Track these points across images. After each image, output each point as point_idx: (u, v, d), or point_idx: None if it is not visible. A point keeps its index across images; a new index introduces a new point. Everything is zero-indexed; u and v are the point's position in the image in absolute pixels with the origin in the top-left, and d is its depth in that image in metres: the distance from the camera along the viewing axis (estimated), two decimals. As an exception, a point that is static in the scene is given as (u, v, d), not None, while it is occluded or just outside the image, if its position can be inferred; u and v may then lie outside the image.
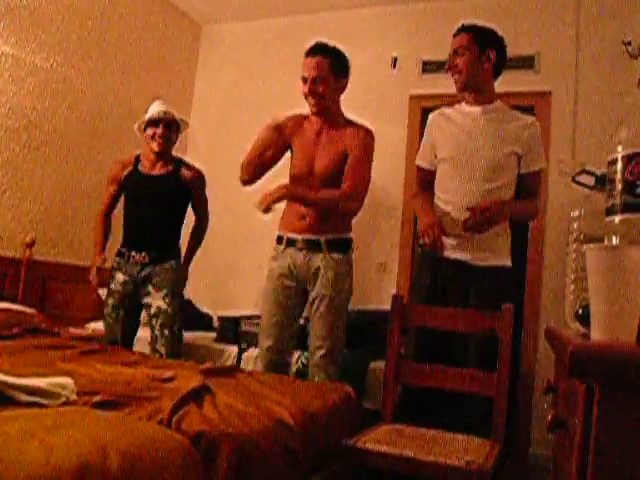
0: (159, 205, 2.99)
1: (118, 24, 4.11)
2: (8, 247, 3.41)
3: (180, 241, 3.13)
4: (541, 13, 3.77)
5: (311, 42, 2.63)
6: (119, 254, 3.03)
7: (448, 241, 2.40)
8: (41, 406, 1.43)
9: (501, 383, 2.00)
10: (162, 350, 2.86)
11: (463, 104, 2.54)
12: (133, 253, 2.97)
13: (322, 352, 2.53)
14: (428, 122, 2.62)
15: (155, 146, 3.00)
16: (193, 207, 3.14)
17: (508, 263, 2.42)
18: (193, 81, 4.86)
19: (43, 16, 3.57)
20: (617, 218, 1.00)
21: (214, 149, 4.53)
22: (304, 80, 2.57)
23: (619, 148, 1.01)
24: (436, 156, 2.52)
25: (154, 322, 2.91)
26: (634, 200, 0.97)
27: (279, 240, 2.68)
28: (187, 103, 4.78)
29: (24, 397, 1.45)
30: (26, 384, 1.47)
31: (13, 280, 3.42)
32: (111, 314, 2.98)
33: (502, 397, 1.99)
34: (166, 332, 2.88)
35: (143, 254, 2.95)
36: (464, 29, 2.48)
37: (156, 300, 2.91)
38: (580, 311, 1.16)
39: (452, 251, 2.40)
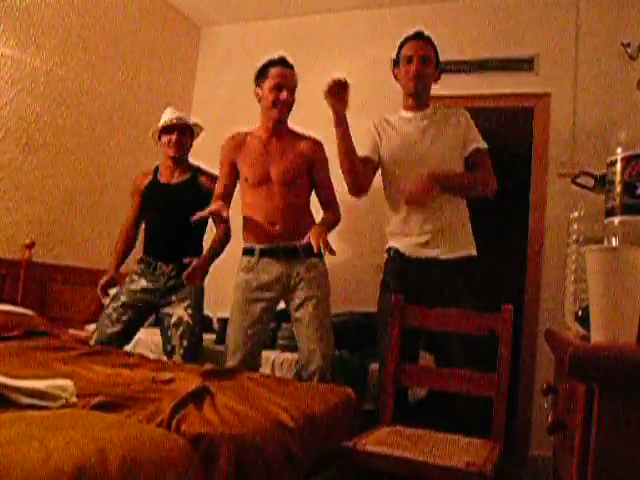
0: (178, 215, 2.95)
1: (117, 26, 4.11)
2: (8, 249, 3.41)
3: (203, 249, 3.08)
4: (540, 14, 3.78)
5: (279, 54, 2.78)
6: (144, 262, 3.02)
7: (415, 241, 2.45)
8: (41, 408, 1.42)
9: (501, 384, 2.00)
10: (179, 360, 2.84)
11: (401, 111, 2.65)
12: (160, 264, 2.97)
13: (319, 355, 2.54)
14: (374, 125, 2.67)
15: (171, 151, 3.01)
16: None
17: (472, 252, 2.49)
18: (193, 83, 4.86)
19: (43, 18, 3.57)
20: (616, 219, 1.00)
21: (214, 151, 4.53)
22: (279, 88, 2.65)
23: (618, 150, 1.01)
24: (379, 155, 2.58)
25: (173, 331, 2.89)
26: (633, 201, 0.97)
27: (250, 252, 2.70)
28: (187, 105, 4.78)
29: (24, 399, 1.44)
30: (26, 386, 1.47)
31: (13, 282, 3.42)
32: (117, 310, 2.94)
33: (502, 398, 1.99)
34: (184, 343, 2.87)
35: (170, 266, 2.95)
36: (425, 37, 2.59)
37: (178, 310, 2.90)
38: (580, 312, 1.16)
39: (421, 250, 2.45)
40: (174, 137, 3.00)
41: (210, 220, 3.04)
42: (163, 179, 3.08)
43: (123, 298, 2.96)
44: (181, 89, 4.74)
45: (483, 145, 2.53)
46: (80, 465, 1.07)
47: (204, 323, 3.10)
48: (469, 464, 1.66)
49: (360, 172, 2.49)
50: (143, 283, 2.97)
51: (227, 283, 4.32)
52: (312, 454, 1.75)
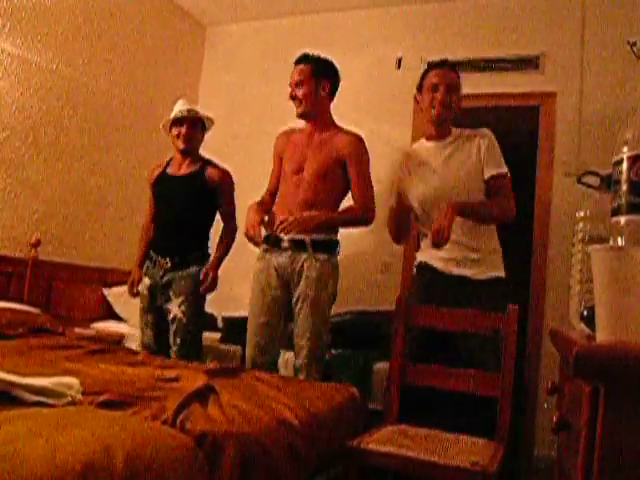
0: (183, 207, 2.94)
1: (123, 25, 4.13)
2: (14, 247, 3.43)
3: (209, 246, 3.05)
4: (546, 13, 3.77)
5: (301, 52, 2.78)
6: (149, 258, 3.01)
7: (450, 261, 2.48)
8: (47, 406, 1.43)
9: (505, 384, 2.00)
10: (174, 357, 2.83)
11: (423, 141, 2.64)
12: (159, 258, 2.95)
13: (304, 352, 2.55)
14: (398, 164, 2.69)
15: (180, 144, 2.98)
16: (217, 209, 3.05)
17: (500, 274, 2.50)
18: (198, 82, 4.87)
19: (48, 17, 3.58)
20: (622, 219, 0.99)
21: (220, 150, 4.54)
22: (290, 86, 2.71)
23: (624, 149, 1.00)
24: (408, 197, 2.61)
25: (171, 329, 2.89)
26: (640, 201, 0.97)
27: (266, 239, 2.71)
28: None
29: (30, 397, 1.45)
30: (32, 384, 1.48)
31: (19, 280, 3.43)
32: (142, 318, 2.98)
33: (506, 398, 1.99)
34: (177, 341, 2.85)
35: (167, 259, 2.92)
36: (448, 65, 2.59)
37: (174, 307, 2.88)
38: (585, 312, 1.15)
39: (452, 267, 2.47)
40: (184, 130, 2.97)
41: (218, 215, 3.06)
42: (171, 171, 3.05)
43: (140, 305, 2.99)
44: (186, 88, 4.74)
45: (502, 170, 2.50)
46: (86, 462, 1.07)
47: (203, 320, 3.05)
48: (474, 464, 1.66)
49: (404, 230, 2.68)
50: (146, 282, 2.97)
51: (232, 283, 4.34)
52: (317, 453, 1.75)
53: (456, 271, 2.46)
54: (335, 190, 2.68)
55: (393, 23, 4.21)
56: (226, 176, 3.02)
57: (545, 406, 3.41)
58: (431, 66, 2.61)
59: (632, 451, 0.75)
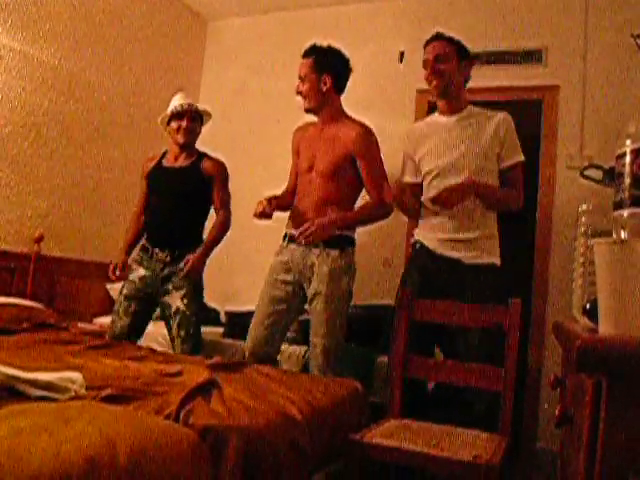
0: (179, 199, 2.94)
1: (125, 20, 4.12)
2: (17, 242, 3.43)
3: (203, 237, 3.04)
4: (549, 6, 3.74)
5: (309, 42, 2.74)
6: (143, 249, 3.00)
7: (445, 242, 2.48)
8: (50, 400, 1.44)
9: (508, 378, 2.00)
10: (178, 351, 2.83)
11: (436, 114, 2.63)
12: (157, 250, 2.93)
13: (319, 350, 2.54)
14: (404, 137, 2.69)
15: (180, 138, 2.98)
16: (212, 201, 3.03)
17: (496, 261, 2.50)
18: (200, 76, 4.86)
19: (50, 13, 3.57)
20: (625, 212, 0.99)
21: (221, 144, 4.54)
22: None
23: (628, 142, 1.00)
24: (419, 170, 2.60)
25: (172, 322, 2.88)
26: (643, 194, 0.97)
27: (284, 237, 2.73)
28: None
29: (34, 391, 1.46)
30: (36, 378, 1.48)
31: (22, 275, 3.44)
32: (122, 303, 2.93)
33: (509, 392, 1.99)
34: (182, 333, 2.85)
35: (166, 252, 2.91)
36: (442, 37, 2.56)
37: (175, 300, 2.87)
38: (588, 305, 1.15)
39: (447, 250, 2.47)
40: (184, 123, 2.96)
41: (212, 208, 3.05)
42: (167, 163, 3.05)
43: (125, 290, 2.95)
44: (188, 82, 4.73)
45: (520, 158, 2.50)
46: (89, 456, 1.08)
47: (203, 313, 3.06)
48: (476, 457, 1.66)
49: (413, 209, 2.65)
50: (141, 272, 2.95)
51: (236, 277, 4.35)
52: (320, 446, 1.76)
53: (449, 254, 2.46)
54: (349, 186, 2.66)
55: (395, 16, 4.19)
56: (221, 166, 3.04)
57: (545, 406, 3.41)
58: (424, 45, 2.60)
59: (634, 444, 0.75)
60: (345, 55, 2.72)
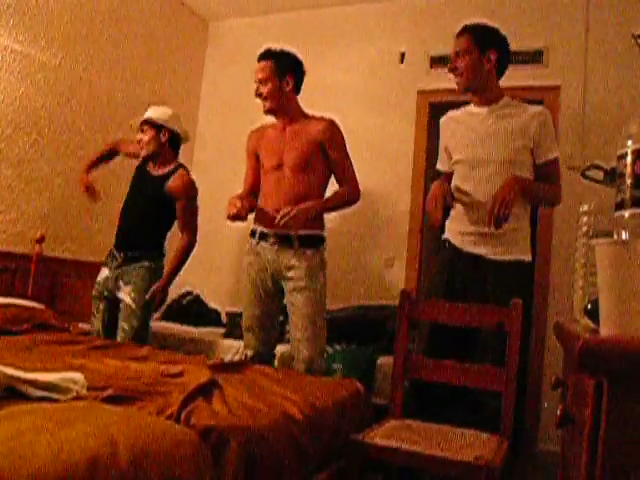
0: (145, 205, 3.02)
1: (126, 21, 4.12)
2: (18, 243, 3.44)
3: (164, 248, 3.09)
4: (550, 6, 3.75)
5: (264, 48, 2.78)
6: (109, 254, 3.10)
7: (467, 237, 2.43)
8: (52, 401, 1.44)
9: (510, 378, 1.99)
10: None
11: (471, 105, 2.57)
12: (115, 251, 3.05)
13: (303, 344, 2.54)
14: (440, 126, 2.67)
15: (141, 151, 3.05)
16: (177, 223, 3.07)
17: (526, 257, 2.42)
18: (200, 77, 4.87)
19: (52, 14, 3.58)
20: (626, 213, 0.99)
21: (222, 144, 4.54)
22: (255, 83, 2.74)
23: (629, 142, 1.00)
24: (451, 159, 2.56)
25: (119, 315, 2.96)
26: (644, 195, 0.97)
27: (252, 234, 2.74)
28: (195, 99, 4.79)
29: (35, 392, 1.46)
30: (37, 379, 1.49)
31: (23, 276, 3.44)
32: (94, 303, 3.09)
33: (511, 392, 1.99)
34: (125, 326, 2.91)
35: (121, 253, 3.01)
36: (465, 30, 2.51)
37: (124, 295, 2.95)
38: (589, 306, 1.15)
39: (471, 246, 2.42)
40: (139, 136, 3.04)
41: (176, 223, 3.08)
42: (149, 167, 3.12)
43: (94, 291, 3.09)
44: (189, 83, 4.74)
45: (555, 154, 2.45)
46: (91, 457, 1.08)
47: (151, 310, 3.04)
48: (477, 458, 1.66)
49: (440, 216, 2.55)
50: (105, 273, 3.07)
51: (237, 279, 4.35)
52: (321, 447, 1.76)
53: (472, 249, 2.41)
54: (318, 178, 2.70)
55: (396, 17, 4.19)
56: (185, 187, 3.00)
57: (545, 405, 3.41)
58: (461, 31, 2.55)
59: (636, 445, 0.75)
60: (299, 56, 2.77)
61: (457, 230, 2.47)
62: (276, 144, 2.73)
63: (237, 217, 2.53)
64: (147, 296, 2.91)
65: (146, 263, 2.98)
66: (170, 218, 3.07)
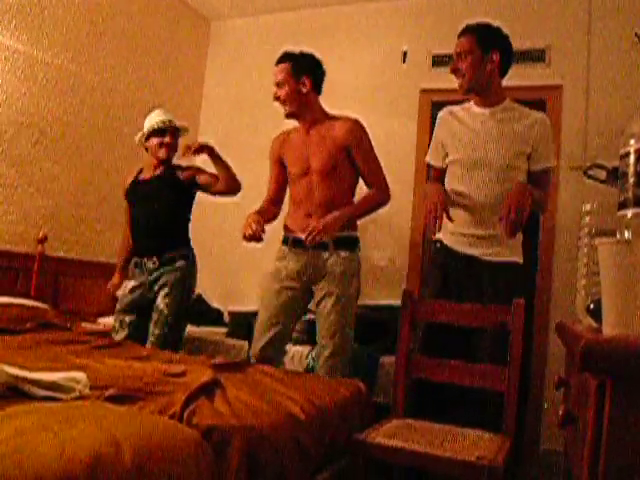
0: (155, 206, 3.00)
1: (128, 20, 4.13)
2: (21, 243, 3.44)
3: (190, 241, 3.09)
4: (552, 5, 3.74)
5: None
6: (135, 264, 3.06)
7: (460, 237, 2.42)
8: (55, 400, 1.44)
9: (512, 378, 1.99)
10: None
11: (472, 104, 2.53)
12: (145, 259, 2.99)
13: (328, 351, 2.51)
14: (437, 120, 2.62)
15: (163, 153, 3.03)
16: (191, 205, 3.12)
17: (519, 259, 2.42)
18: (203, 77, 4.87)
19: (54, 14, 3.58)
20: (629, 212, 0.99)
21: (225, 145, 4.54)
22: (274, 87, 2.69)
23: (631, 141, 1.00)
24: (447, 155, 2.52)
25: (151, 320, 2.93)
26: (647, 194, 0.97)
27: (285, 241, 2.69)
28: (197, 99, 4.79)
29: (38, 391, 1.46)
30: (40, 378, 1.49)
31: (26, 275, 3.45)
32: (118, 318, 3.01)
33: (513, 392, 1.98)
34: (156, 331, 2.87)
35: (154, 259, 2.96)
36: (466, 30, 2.48)
37: (160, 300, 2.91)
38: (592, 305, 1.15)
39: (464, 247, 2.41)
40: (167, 139, 3.03)
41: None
42: (143, 177, 3.12)
43: (118, 305, 3.03)
44: (191, 83, 4.74)
45: (551, 164, 2.43)
46: (94, 456, 1.08)
47: (187, 315, 3.06)
48: (479, 457, 1.66)
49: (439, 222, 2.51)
50: (130, 284, 3.03)
51: (240, 278, 4.35)
52: (323, 446, 1.76)
53: (467, 250, 2.40)
54: (347, 181, 2.65)
55: (398, 16, 4.19)
56: (197, 169, 3.09)
57: (545, 406, 3.41)
58: (462, 31, 2.53)
59: (638, 444, 0.75)
60: (317, 56, 2.72)
61: (452, 231, 2.45)
62: (301, 149, 2.67)
63: (253, 238, 2.49)
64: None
65: (182, 263, 2.96)
66: (187, 207, 3.09)
